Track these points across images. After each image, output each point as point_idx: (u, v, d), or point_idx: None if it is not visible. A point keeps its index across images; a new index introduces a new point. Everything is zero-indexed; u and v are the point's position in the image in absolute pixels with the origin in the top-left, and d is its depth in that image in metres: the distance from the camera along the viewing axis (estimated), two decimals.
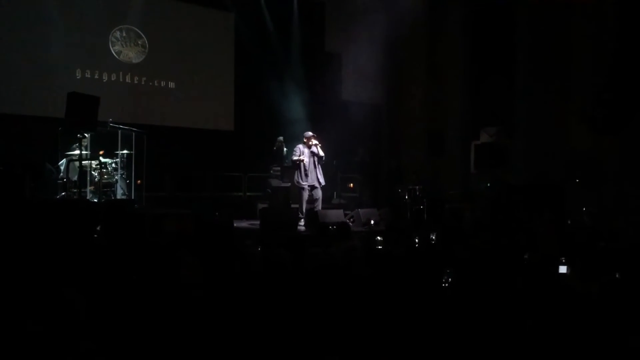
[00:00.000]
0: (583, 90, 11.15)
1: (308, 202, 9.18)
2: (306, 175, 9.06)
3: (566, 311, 3.18)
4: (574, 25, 11.40)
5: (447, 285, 3.72)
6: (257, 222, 9.04)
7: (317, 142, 9.12)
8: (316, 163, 9.17)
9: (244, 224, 9.42)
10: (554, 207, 9.08)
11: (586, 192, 10.18)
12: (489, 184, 11.11)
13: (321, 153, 9.15)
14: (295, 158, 9.09)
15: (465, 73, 13.65)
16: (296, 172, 9.15)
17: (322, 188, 9.32)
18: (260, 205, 10.41)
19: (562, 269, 4.05)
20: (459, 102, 13.71)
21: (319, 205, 9.22)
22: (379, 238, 5.31)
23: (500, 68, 12.59)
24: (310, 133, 9.25)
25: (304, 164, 9.05)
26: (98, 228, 5.29)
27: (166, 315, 2.89)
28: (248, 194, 12.54)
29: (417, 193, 10.59)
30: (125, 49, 11.89)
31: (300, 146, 9.15)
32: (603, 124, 10.48)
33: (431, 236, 5.93)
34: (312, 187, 9.15)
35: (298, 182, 9.12)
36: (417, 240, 5.68)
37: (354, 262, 4.34)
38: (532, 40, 11.98)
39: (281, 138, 12.05)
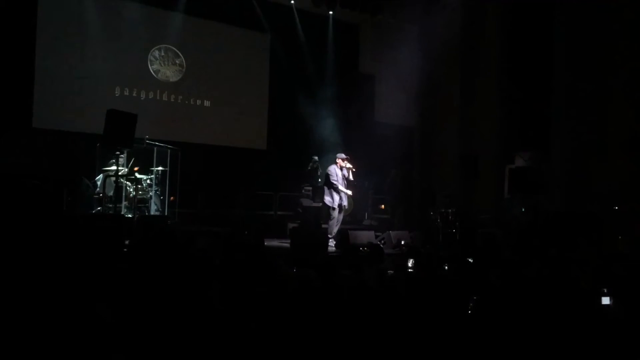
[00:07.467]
0: (623, 115, 10.87)
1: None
2: (337, 196, 9.12)
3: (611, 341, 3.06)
4: (613, 48, 11.16)
5: (471, 312, 3.61)
6: (288, 242, 9.02)
7: (350, 166, 9.14)
8: (346, 185, 9.22)
9: (274, 242, 9.41)
10: (592, 236, 8.82)
11: (625, 220, 9.85)
12: (523, 209, 10.87)
13: (351, 177, 9.18)
14: (334, 182, 9.08)
15: (500, 96, 13.47)
16: (328, 192, 9.18)
17: (353, 209, 9.32)
18: (291, 225, 10.39)
19: (605, 300, 3.82)
20: (493, 125, 13.50)
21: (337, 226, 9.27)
22: (410, 262, 5.23)
23: (537, 91, 12.41)
24: (343, 155, 9.27)
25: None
26: (127, 242, 5.35)
27: (191, 333, 2.87)
28: (279, 212, 12.56)
29: (450, 217, 10.42)
30: (164, 67, 12.16)
31: (336, 167, 9.19)
32: None
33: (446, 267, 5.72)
34: (340, 209, 9.24)
35: (329, 201, 9.17)
36: (446, 267, 5.54)
37: (385, 286, 4.27)
38: (570, 64, 11.77)
39: (316, 158, 12.07)
